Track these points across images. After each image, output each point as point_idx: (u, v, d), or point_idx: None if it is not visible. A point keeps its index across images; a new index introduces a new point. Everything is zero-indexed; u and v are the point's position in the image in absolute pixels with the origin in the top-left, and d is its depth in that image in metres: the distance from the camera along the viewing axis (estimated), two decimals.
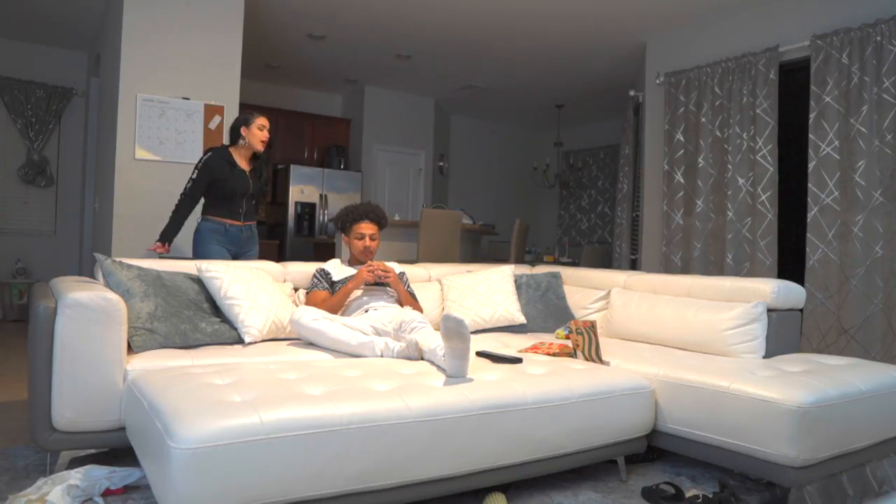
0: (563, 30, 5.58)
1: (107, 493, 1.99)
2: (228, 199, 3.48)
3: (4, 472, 2.16)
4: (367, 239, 3.12)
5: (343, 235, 3.21)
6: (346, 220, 3.16)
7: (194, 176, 3.43)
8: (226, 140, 4.27)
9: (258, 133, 3.49)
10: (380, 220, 3.19)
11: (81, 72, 6.54)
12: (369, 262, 3.00)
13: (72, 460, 2.14)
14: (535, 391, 2.05)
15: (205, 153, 3.49)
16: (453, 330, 2.02)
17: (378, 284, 3.03)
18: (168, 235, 3.44)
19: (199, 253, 3.47)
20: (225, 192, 3.46)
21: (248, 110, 3.66)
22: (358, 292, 2.99)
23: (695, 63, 5.25)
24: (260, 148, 3.52)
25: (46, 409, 2.04)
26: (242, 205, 3.54)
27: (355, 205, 3.21)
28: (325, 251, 6.09)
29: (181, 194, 3.46)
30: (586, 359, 2.62)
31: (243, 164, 3.53)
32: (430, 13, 5.32)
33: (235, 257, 3.55)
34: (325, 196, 7.06)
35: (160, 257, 3.27)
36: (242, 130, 3.50)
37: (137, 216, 4.36)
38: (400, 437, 1.75)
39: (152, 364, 2.20)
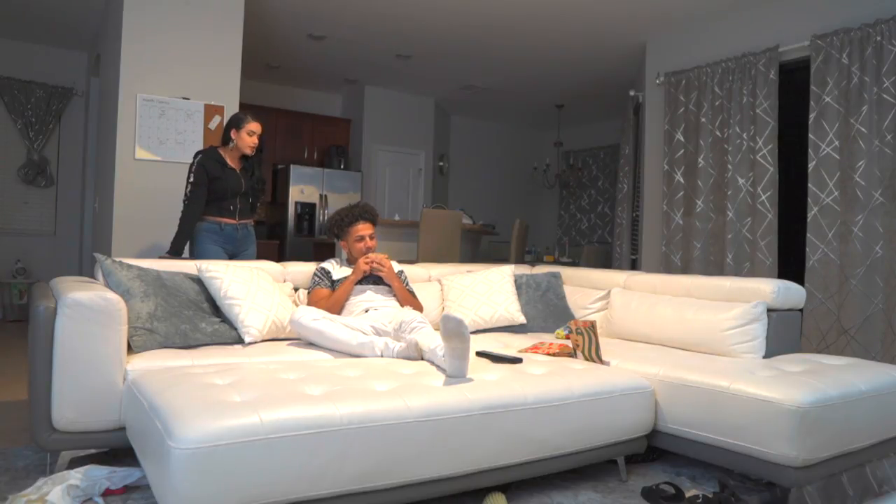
0: (563, 30, 5.58)
1: (107, 493, 1.99)
2: (222, 199, 3.50)
3: (4, 472, 2.16)
4: (367, 239, 3.12)
5: (341, 242, 3.21)
6: (342, 224, 3.15)
7: (192, 179, 3.44)
8: None
9: (247, 139, 3.51)
10: (373, 219, 3.19)
11: (81, 72, 6.54)
12: (366, 255, 3.03)
13: (72, 460, 2.14)
14: (535, 391, 2.05)
15: (195, 156, 3.50)
16: (453, 330, 2.02)
17: (376, 281, 3.04)
18: (179, 245, 3.42)
19: (195, 253, 3.48)
20: (218, 192, 3.47)
21: (244, 111, 3.65)
22: (360, 294, 3.00)
23: (695, 63, 5.25)
24: (248, 152, 3.54)
25: (46, 410, 2.04)
26: (236, 203, 3.55)
27: (345, 209, 3.20)
28: (325, 251, 6.09)
29: (184, 201, 3.45)
30: (586, 359, 2.62)
31: (234, 163, 3.56)
32: (430, 13, 5.32)
33: (232, 257, 3.55)
34: (325, 196, 7.06)
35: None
36: (232, 133, 3.52)
37: (137, 216, 4.36)
38: (400, 437, 1.75)
39: (152, 364, 2.20)
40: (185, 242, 3.45)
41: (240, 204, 3.57)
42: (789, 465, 2.03)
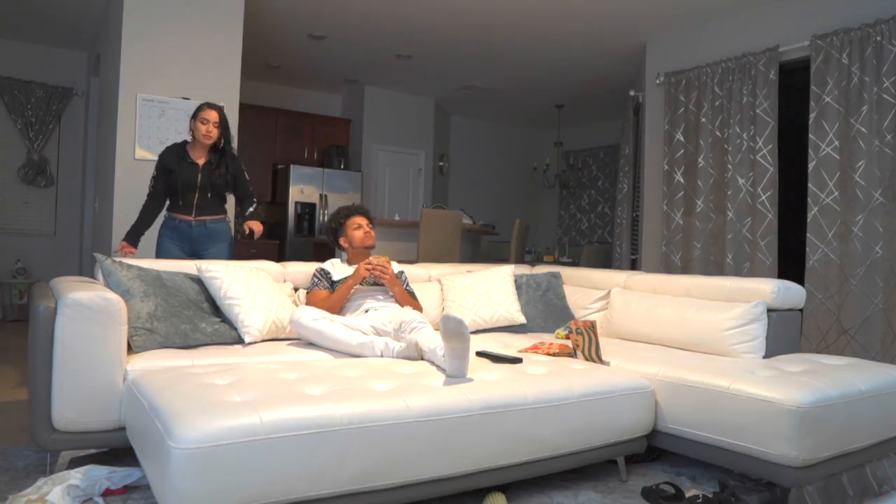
0: (563, 30, 5.58)
1: (107, 493, 1.99)
2: (175, 193, 3.42)
3: (4, 472, 2.16)
4: (365, 226, 3.18)
5: (341, 238, 3.22)
6: (339, 220, 3.23)
7: (154, 174, 3.43)
8: None
9: (200, 127, 3.37)
10: (368, 215, 3.26)
11: (81, 72, 6.54)
12: (368, 259, 3.00)
13: (72, 460, 2.13)
14: (535, 391, 2.05)
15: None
16: (453, 330, 2.02)
17: (375, 282, 3.04)
18: (131, 236, 3.40)
19: (156, 250, 3.43)
20: (171, 186, 3.40)
21: (205, 102, 3.54)
22: (359, 295, 2.99)
23: (695, 63, 5.25)
24: (203, 141, 3.39)
25: (46, 409, 2.05)
26: (193, 198, 3.41)
27: (340, 208, 3.28)
28: (325, 251, 6.08)
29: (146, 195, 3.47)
30: (586, 359, 2.62)
31: (198, 156, 3.43)
32: (430, 13, 5.32)
33: (192, 255, 3.41)
34: (325, 196, 7.06)
35: (126, 257, 3.09)
36: (190, 122, 3.44)
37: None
38: (400, 437, 1.75)
39: (152, 364, 2.20)
40: (136, 233, 3.42)
41: (197, 199, 3.42)
42: (789, 465, 2.03)
